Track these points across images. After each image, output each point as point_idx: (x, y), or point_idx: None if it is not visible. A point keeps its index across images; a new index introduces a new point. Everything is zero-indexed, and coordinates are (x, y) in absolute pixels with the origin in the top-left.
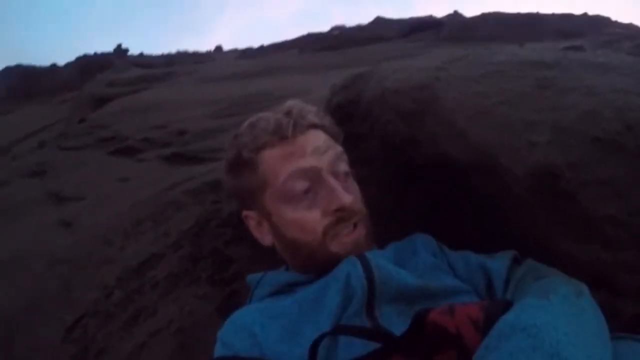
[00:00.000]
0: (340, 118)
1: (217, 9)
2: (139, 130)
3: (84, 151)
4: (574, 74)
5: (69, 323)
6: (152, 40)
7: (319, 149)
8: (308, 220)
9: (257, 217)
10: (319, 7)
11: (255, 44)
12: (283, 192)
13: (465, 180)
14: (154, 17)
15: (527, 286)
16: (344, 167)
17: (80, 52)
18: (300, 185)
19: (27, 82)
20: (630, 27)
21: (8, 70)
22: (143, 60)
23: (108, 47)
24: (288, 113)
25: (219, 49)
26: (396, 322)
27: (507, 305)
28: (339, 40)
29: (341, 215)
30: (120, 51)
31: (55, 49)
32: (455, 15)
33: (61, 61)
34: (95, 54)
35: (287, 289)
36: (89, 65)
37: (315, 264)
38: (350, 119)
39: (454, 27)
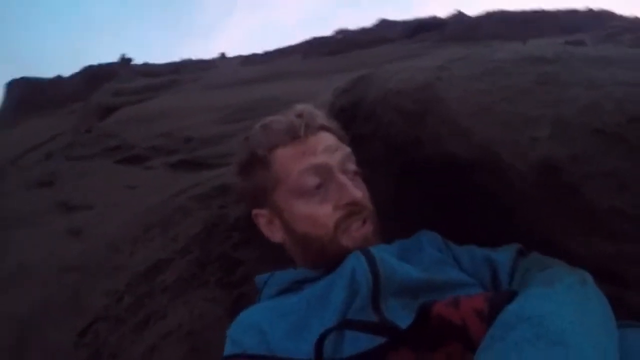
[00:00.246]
0: (343, 120)
1: (221, 16)
2: (146, 139)
3: (92, 160)
4: (575, 68)
5: (81, 328)
6: (156, 48)
7: (329, 147)
8: (320, 214)
9: (268, 215)
10: (322, 12)
11: (259, 49)
12: (295, 188)
13: (468, 179)
14: (157, 26)
15: (532, 277)
16: (352, 166)
17: (84, 63)
18: (312, 181)
19: (33, 94)
20: (633, 20)
21: (13, 83)
22: (148, 69)
23: (112, 57)
24: (299, 115)
25: (223, 55)
26: (402, 315)
27: (511, 295)
28: (343, 43)
29: (352, 209)
30: (124, 61)
31: (60, 60)
32: (459, 15)
33: (66, 72)
34: (100, 64)
35: (295, 286)
36: (94, 76)
37: (326, 258)
38: (353, 121)
39: (458, 26)
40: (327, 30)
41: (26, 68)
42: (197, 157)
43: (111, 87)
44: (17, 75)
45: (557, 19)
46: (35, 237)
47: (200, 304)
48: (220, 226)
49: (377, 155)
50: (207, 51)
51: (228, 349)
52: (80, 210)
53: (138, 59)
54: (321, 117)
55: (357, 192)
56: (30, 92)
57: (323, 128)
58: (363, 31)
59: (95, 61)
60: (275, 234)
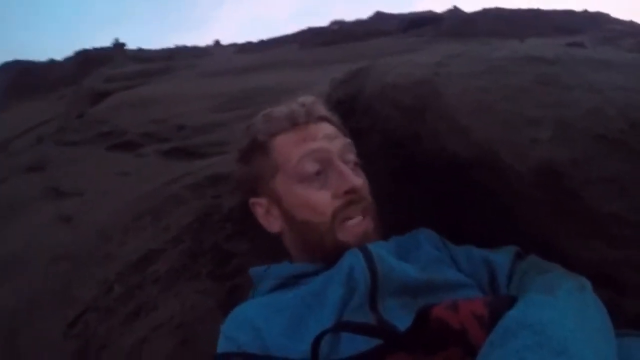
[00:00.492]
0: (340, 113)
1: (215, 4)
2: (138, 125)
3: (83, 146)
4: (576, 71)
5: (70, 319)
6: (150, 35)
7: (329, 135)
8: (319, 200)
9: (266, 203)
10: (319, 2)
11: (255, 38)
12: (295, 173)
13: (467, 176)
14: (152, 12)
15: (530, 281)
16: (353, 156)
17: (78, 47)
18: (312, 167)
19: (25, 77)
20: (630, 24)
21: (6, 66)
22: (142, 55)
23: (106, 42)
24: (301, 104)
25: (217, 43)
26: (400, 316)
27: (511, 301)
28: (339, 35)
29: (351, 198)
30: (118, 46)
31: (53, 44)
32: (455, 10)
33: (59, 56)
34: (94, 48)
35: (292, 281)
36: (87, 60)
37: (323, 250)
38: (350, 114)
39: (454, 22)
40: (320, 21)
41: (19, 52)
42: (190, 145)
43: (104, 72)
44: (9, 59)
45: (554, 19)
46: (25, 224)
47: (191, 295)
48: (214, 216)
49: (374, 150)
50: (199, 42)
51: (222, 346)
52: (70, 197)
53: (131, 44)
54: (322, 108)
55: (357, 179)
56: (22, 75)
57: (324, 118)
58: (359, 23)
59: (89, 46)
60: (273, 224)
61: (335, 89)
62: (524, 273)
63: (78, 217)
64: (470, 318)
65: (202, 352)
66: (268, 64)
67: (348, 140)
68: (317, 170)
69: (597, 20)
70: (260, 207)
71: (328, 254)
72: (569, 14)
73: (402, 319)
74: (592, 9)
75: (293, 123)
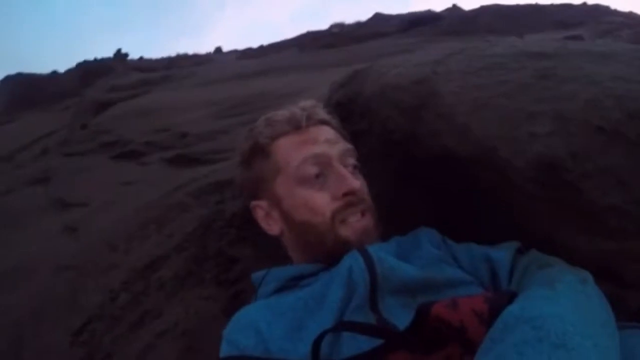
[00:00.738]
0: (340, 115)
1: (216, 8)
2: (141, 134)
3: (87, 157)
4: (574, 64)
5: (76, 327)
6: (151, 44)
7: (330, 140)
8: (318, 202)
9: (266, 206)
10: (318, 6)
11: (255, 44)
12: (295, 176)
13: (466, 174)
14: (151, 21)
15: (531, 276)
16: (353, 161)
17: (79, 58)
18: (312, 169)
19: (28, 90)
20: (629, 15)
21: (8, 79)
22: (143, 64)
23: (106, 48)
24: (302, 108)
25: (218, 50)
26: (400, 315)
27: (511, 296)
28: (339, 37)
29: (350, 200)
30: (120, 56)
31: (53, 51)
32: (454, 9)
33: (61, 68)
34: (95, 59)
35: (292, 283)
36: (89, 71)
37: (324, 249)
38: (349, 116)
39: (453, 20)
40: (319, 25)
41: (21, 64)
42: (193, 152)
43: (106, 82)
44: (12, 72)
45: (553, 14)
46: (31, 234)
47: (195, 302)
48: (216, 223)
49: (374, 151)
50: (200, 47)
51: (224, 350)
52: (75, 207)
53: (132, 54)
54: (323, 112)
55: (356, 182)
56: (25, 88)
57: (325, 122)
58: (358, 25)
59: (90, 57)
60: (273, 226)
61: (335, 92)
62: (525, 268)
63: (83, 226)
64: (470, 315)
65: (207, 357)
66: (269, 69)
67: (349, 145)
68: (316, 172)
69: (595, 13)
70: (260, 210)
71: (329, 253)
72: (567, 7)
73: (402, 318)
74: (590, 1)
75: (294, 126)
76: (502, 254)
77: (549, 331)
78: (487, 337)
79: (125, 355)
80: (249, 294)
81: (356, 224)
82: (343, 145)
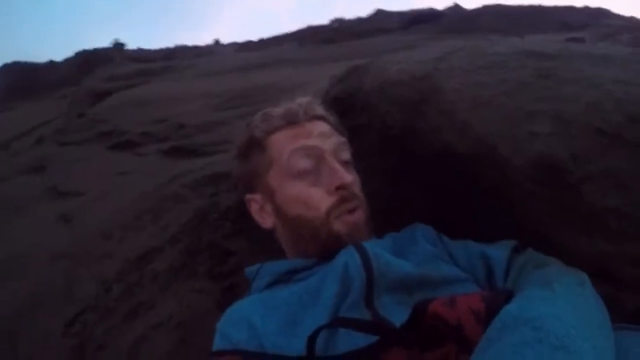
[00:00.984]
0: (338, 110)
1: (214, 2)
2: (138, 124)
3: (83, 146)
4: (575, 65)
5: (70, 317)
6: (149, 35)
7: (324, 134)
8: (312, 195)
9: (260, 200)
10: (319, 0)
11: (255, 36)
12: (287, 168)
13: (466, 171)
14: (151, 12)
15: (528, 275)
16: (346, 155)
17: (77, 47)
18: (304, 163)
19: (26, 78)
20: (630, 20)
21: (6, 67)
22: (142, 55)
23: (104, 40)
24: (298, 103)
25: (218, 42)
26: (396, 312)
27: (509, 296)
28: (339, 32)
29: (344, 195)
30: (118, 46)
31: (51, 43)
32: (456, 7)
33: (58, 55)
34: (94, 49)
35: (286, 277)
36: (87, 61)
37: (317, 243)
38: (348, 111)
39: (454, 19)
40: (320, 19)
41: (19, 54)
42: (190, 144)
43: (104, 72)
44: (10, 60)
45: (554, 15)
46: (26, 223)
47: (189, 294)
48: (212, 215)
49: (373, 146)
50: (199, 39)
51: (217, 344)
52: (71, 196)
53: (131, 44)
54: (319, 107)
55: (348, 176)
56: (22, 76)
57: (320, 117)
58: (359, 21)
59: (89, 46)
60: (266, 220)
61: (334, 86)
62: (521, 267)
63: (78, 216)
64: (467, 313)
65: (200, 351)
66: (268, 62)
67: (343, 139)
68: (309, 166)
69: (597, 16)
70: (254, 203)
71: (321, 247)
72: (569, 10)
73: (398, 315)
74: (592, 4)
75: (289, 121)
76: (499, 252)
77: (548, 332)
78: (485, 336)
79: (118, 347)
80: (242, 287)
81: (348, 218)
82: (337, 140)
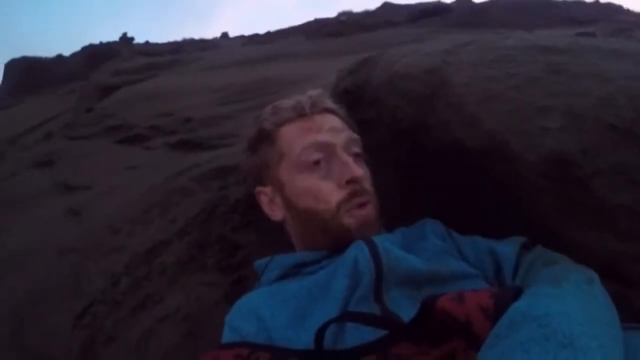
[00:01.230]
0: (347, 104)
1: None
2: (146, 118)
3: (92, 140)
4: (587, 60)
5: (78, 311)
6: (157, 28)
7: (335, 128)
8: (322, 188)
9: (270, 192)
10: None
11: (261, 30)
12: (298, 162)
13: (475, 166)
14: (158, 6)
15: (536, 272)
16: (357, 149)
17: (85, 42)
18: (315, 156)
19: (33, 73)
20: None
21: (14, 62)
22: (149, 49)
23: (113, 36)
24: (308, 96)
25: (225, 35)
26: (405, 307)
27: (517, 293)
28: (346, 26)
29: (354, 189)
30: (126, 40)
31: (58, 37)
32: (464, 1)
33: (67, 51)
34: (101, 43)
35: (296, 271)
36: (95, 55)
37: (326, 237)
38: (357, 104)
39: (463, 12)
40: (327, 12)
41: (26, 48)
42: (197, 137)
43: (111, 66)
44: (17, 56)
45: (564, 10)
46: (35, 217)
47: (197, 287)
48: (220, 208)
49: (382, 140)
50: (206, 33)
51: (226, 336)
52: (79, 191)
53: (138, 38)
54: (329, 100)
55: (359, 170)
56: (30, 71)
57: (330, 110)
58: (367, 14)
59: (95, 42)
60: (276, 212)
61: (342, 80)
62: (530, 264)
63: (87, 210)
64: (475, 310)
65: (209, 343)
66: (275, 55)
67: (354, 135)
68: (320, 159)
69: (608, 11)
70: (264, 196)
71: (331, 241)
72: (580, 4)
73: (407, 310)
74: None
75: (299, 113)
76: (508, 248)
77: (555, 330)
78: (493, 333)
79: (127, 339)
80: (251, 280)
81: (358, 212)
82: (348, 134)
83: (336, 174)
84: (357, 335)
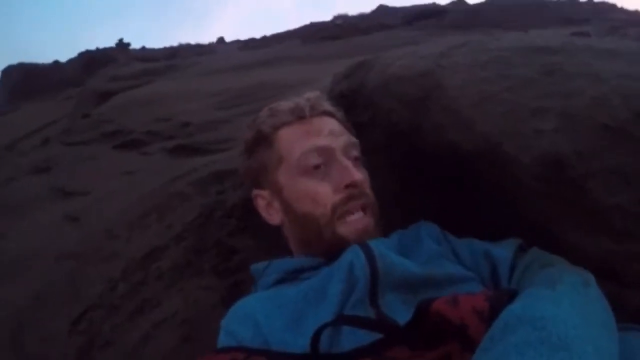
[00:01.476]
0: (343, 107)
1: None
2: (143, 124)
3: (89, 146)
4: (580, 60)
5: (75, 316)
6: (152, 33)
7: (334, 131)
8: (320, 192)
9: (268, 196)
10: None
11: (258, 34)
12: (297, 166)
13: (470, 168)
14: (153, 10)
15: (532, 274)
16: (356, 153)
17: (81, 47)
18: (315, 160)
19: (30, 79)
20: (635, 13)
21: (10, 68)
22: (145, 54)
23: (109, 41)
24: (307, 98)
25: (221, 40)
26: (400, 311)
27: (512, 295)
28: (342, 29)
29: (351, 192)
30: (122, 45)
31: (54, 41)
32: (459, 3)
33: (63, 57)
34: (97, 49)
35: (293, 276)
36: (91, 61)
37: (321, 244)
38: (353, 107)
39: (458, 14)
40: (323, 16)
41: (22, 54)
42: (194, 142)
43: (108, 72)
44: (14, 61)
45: (558, 10)
46: (32, 223)
47: (194, 291)
48: (217, 213)
49: (376, 143)
50: (202, 37)
51: (222, 341)
52: (76, 196)
53: (135, 44)
54: (327, 103)
55: (358, 174)
56: (27, 77)
57: (328, 113)
58: (362, 17)
59: (91, 47)
60: (274, 216)
61: (338, 83)
62: (526, 267)
63: (84, 216)
64: (470, 313)
65: (206, 348)
66: (271, 60)
67: (353, 139)
68: (319, 163)
69: (602, 10)
70: (262, 200)
71: (326, 248)
72: (573, 4)
73: (402, 314)
74: None
75: (297, 116)
76: (503, 251)
77: (550, 333)
78: (487, 335)
79: (124, 344)
80: (248, 284)
81: (356, 223)
82: (347, 138)
83: (335, 178)
84: (353, 338)
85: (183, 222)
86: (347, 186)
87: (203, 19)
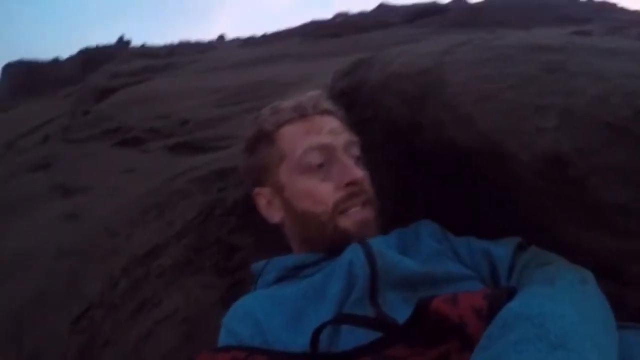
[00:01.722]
0: (343, 105)
1: None
2: (143, 121)
3: (89, 143)
4: (582, 59)
5: (76, 314)
6: (153, 31)
7: (335, 130)
8: (321, 191)
9: (268, 194)
10: None
11: (258, 32)
12: (298, 164)
13: (471, 166)
14: (154, 8)
15: (531, 273)
16: (356, 151)
17: (81, 45)
18: (316, 159)
19: (30, 76)
20: (637, 13)
21: (10, 65)
22: (145, 51)
23: (107, 36)
24: (308, 97)
25: (221, 38)
26: (400, 309)
27: (511, 293)
28: (343, 27)
29: (352, 190)
30: (122, 43)
31: (53, 39)
32: (460, 1)
33: (63, 55)
34: (98, 46)
35: (293, 273)
36: (91, 58)
37: (323, 239)
38: (353, 105)
39: (459, 12)
40: (323, 14)
41: (22, 51)
42: (194, 140)
43: (108, 69)
44: (13, 59)
45: (560, 9)
46: (32, 221)
47: (195, 289)
48: (217, 211)
49: (377, 140)
50: (202, 35)
51: (222, 339)
52: (77, 194)
53: (135, 41)
54: (329, 102)
55: (359, 172)
56: (27, 74)
57: (330, 112)
58: (363, 15)
59: (93, 43)
60: (274, 214)
61: (338, 81)
62: (525, 265)
63: (84, 213)
64: (469, 311)
65: (206, 345)
66: (272, 57)
67: (354, 137)
68: (320, 162)
69: (603, 10)
70: (262, 198)
71: (328, 243)
72: (575, 3)
73: (402, 313)
74: None
75: (299, 114)
76: (503, 249)
77: (549, 330)
78: (486, 333)
79: (125, 342)
80: (248, 282)
81: (356, 215)
82: (348, 136)
83: (336, 176)
84: (352, 337)
85: (183, 219)
86: (348, 184)
87: (204, 16)
